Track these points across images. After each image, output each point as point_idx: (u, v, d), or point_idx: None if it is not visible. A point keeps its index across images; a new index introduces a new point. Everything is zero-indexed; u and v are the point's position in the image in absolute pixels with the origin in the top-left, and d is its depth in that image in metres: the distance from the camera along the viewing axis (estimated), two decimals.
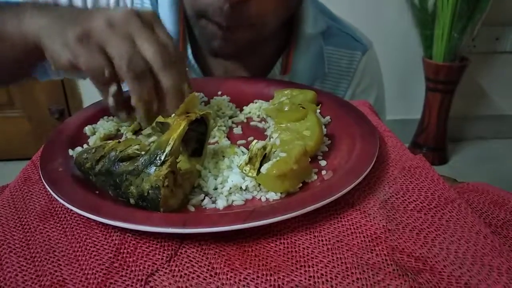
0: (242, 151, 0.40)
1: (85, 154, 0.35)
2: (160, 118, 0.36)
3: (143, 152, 0.33)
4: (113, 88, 0.37)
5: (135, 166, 0.32)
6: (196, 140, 0.37)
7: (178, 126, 0.34)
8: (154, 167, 0.32)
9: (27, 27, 0.41)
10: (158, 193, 0.31)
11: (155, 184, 0.31)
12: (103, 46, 0.35)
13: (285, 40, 0.63)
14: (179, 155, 0.35)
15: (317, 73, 0.64)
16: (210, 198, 0.34)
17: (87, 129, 0.44)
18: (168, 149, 0.33)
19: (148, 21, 0.38)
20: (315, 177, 0.37)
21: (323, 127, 0.44)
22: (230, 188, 0.35)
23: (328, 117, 0.48)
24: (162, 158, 0.32)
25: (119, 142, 0.35)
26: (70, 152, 0.40)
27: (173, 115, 0.36)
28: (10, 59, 0.46)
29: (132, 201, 0.32)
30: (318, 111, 0.47)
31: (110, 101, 0.38)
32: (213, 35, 0.52)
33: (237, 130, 0.46)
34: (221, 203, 0.33)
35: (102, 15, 0.37)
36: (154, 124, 0.36)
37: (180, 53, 0.38)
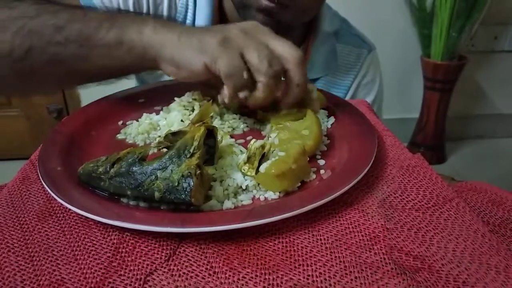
0: (241, 150, 0.40)
1: (93, 163, 0.35)
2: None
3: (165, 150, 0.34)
4: (244, 93, 0.40)
5: (160, 162, 0.33)
6: (206, 152, 0.37)
7: (198, 129, 0.35)
8: (184, 159, 0.33)
9: (149, 38, 0.43)
10: (189, 182, 0.31)
11: (186, 173, 0.31)
12: (242, 51, 0.39)
13: (303, 35, 0.73)
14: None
15: (329, 65, 0.73)
16: (218, 201, 0.34)
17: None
18: (195, 143, 0.34)
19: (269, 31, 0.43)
20: (314, 176, 0.37)
21: (322, 126, 0.44)
22: (234, 187, 0.35)
23: (331, 118, 0.48)
24: (191, 150, 0.33)
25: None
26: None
27: (187, 124, 0.38)
28: (114, 64, 0.46)
29: (157, 195, 0.31)
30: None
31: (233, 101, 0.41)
32: (259, 10, 0.57)
33: (236, 130, 0.46)
34: (228, 204, 0.33)
35: (233, 26, 0.42)
36: (165, 134, 0.37)
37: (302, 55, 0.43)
